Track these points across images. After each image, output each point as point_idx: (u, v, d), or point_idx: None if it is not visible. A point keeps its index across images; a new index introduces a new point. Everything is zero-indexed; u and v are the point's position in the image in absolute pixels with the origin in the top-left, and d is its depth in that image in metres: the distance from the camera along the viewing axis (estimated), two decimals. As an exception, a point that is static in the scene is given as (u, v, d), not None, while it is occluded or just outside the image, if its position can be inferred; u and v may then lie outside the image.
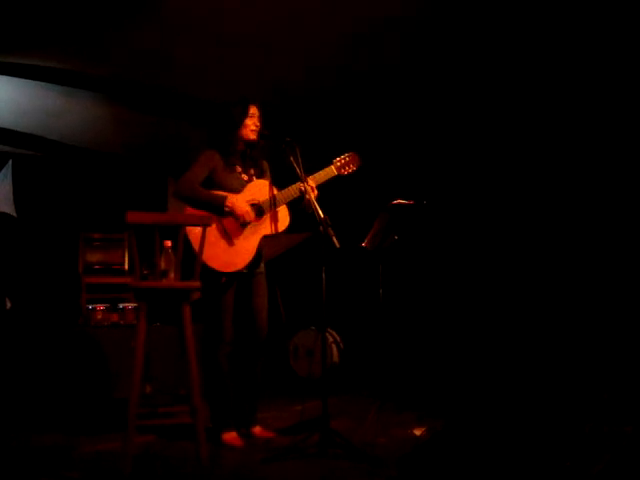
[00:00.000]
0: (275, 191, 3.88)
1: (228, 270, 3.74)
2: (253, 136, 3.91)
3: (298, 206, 3.87)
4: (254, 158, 4.00)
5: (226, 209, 3.74)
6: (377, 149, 5.95)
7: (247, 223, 3.79)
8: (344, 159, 3.96)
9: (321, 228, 3.52)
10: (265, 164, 4.09)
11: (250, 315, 3.90)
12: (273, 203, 3.83)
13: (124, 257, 6.16)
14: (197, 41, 4.71)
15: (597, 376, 4.48)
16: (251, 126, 3.90)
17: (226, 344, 3.82)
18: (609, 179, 5.12)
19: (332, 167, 3.92)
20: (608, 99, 4.93)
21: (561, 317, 5.24)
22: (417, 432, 3.81)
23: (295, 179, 3.80)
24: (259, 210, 3.83)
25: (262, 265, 4.00)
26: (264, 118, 3.97)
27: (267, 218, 3.84)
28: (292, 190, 3.83)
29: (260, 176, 3.99)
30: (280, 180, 3.95)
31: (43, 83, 5.32)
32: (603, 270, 5.11)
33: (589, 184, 5.23)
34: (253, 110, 3.93)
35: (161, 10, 4.26)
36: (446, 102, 5.43)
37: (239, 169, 3.93)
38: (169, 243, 3.52)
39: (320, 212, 3.55)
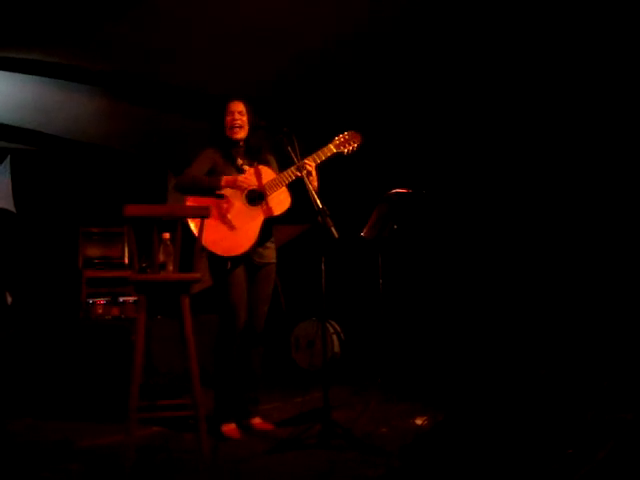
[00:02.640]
0: (273, 174, 3.89)
1: (231, 254, 3.73)
2: (237, 134, 3.90)
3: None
4: (253, 151, 3.98)
5: (224, 187, 3.77)
6: (376, 138, 5.93)
7: (247, 191, 3.79)
8: (343, 137, 3.92)
9: (319, 218, 3.50)
10: (270, 157, 4.06)
11: (251, 305, 3.90)
12: (270, 187, 3.83)
13: (124, 251, 6.17)
14: (195, 34, 4.69)
15: (597, 364, 4.47)
16: (230, 122, 3.89)
17: (240, 335, 3.81)
18: (610, 175, 5.11)
19: (330, 145, 3.89)
20: (608, 97, 4.92)
21: (562, 306, 5.23)
22: (419, 422, 3.81)
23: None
24: (259, 195, 3.83)
25: (274, 255, 4.01)
26: (262, 109, 3.95)
27: (268, 202, 3.83)
28: (289, 172, 3.81)
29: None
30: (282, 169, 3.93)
31: (40, 77, 5.30)
32: (604, 259, 5.10)
33: (590, 178, 5.22)
34: (233, 107, 3.92)
35: (159, 3, 4.25)
36: (446, 91, 5.41)
37: (240, 162, 3.92)
38: (167, 235, 3.52)
39: (318, 202, 3.54)
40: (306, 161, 3.77)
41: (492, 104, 5.42)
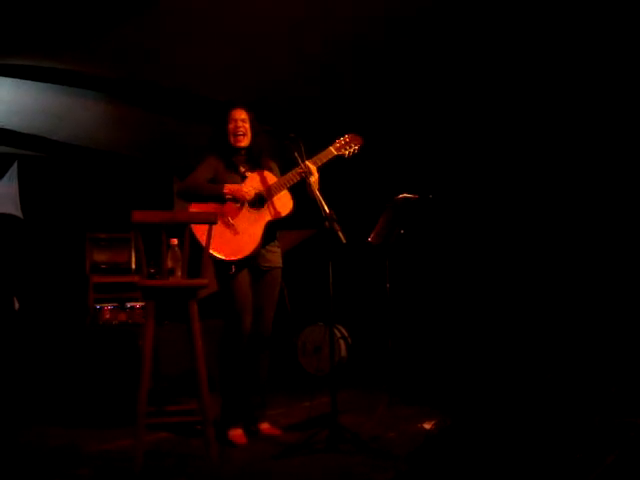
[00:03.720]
0: (275, 179, 3.89)
1: (235, 258, 3.73)
2: (240, 142, 3.92)
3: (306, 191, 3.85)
4: (255, 157, 3.99)
5: (227, 196, 3.78)
6: (383, 143, 5.94)
7: (250, 202, 3.79)
8: (344, 140, 3.94)
9: (327, 223, 3.51)
10: (272, 163, 4.07)
11: (257, 309, 3.90)
12: (272, 190, 3.84)
13: (131, 256, 6.18)
14: (198, 39, 4.70)
15: (604, 370, 4.47)
16: (232, 130, 3.90)
17: (245, 339, 3.81)
18: (611, 177, 5.11)
19: (331, 148, 3.90)
20: (609, 96, 4.92)
21: (570, 312, 5.23)
22: (427, 426, 3.81)
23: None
24: (260, 198, 3.83)
25: (280, 259, 4.02)
26: (265, 114, 3.96)
27: (270, 204, 3.84)
28: (292, 174, 3.81)
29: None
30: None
31: (47, 84, 5.32)
32: (613, 265, 5.09)
33: (591, 181, 5.22)
34: (236, 114, 3.93)
35: (162, 10, 4.27)
36: (453, 96, 5.41)
37: (242, 169, 3.94)
38: (175, 241, 3.53)
39: (325, 207, 3.55)
40: (307, 163, 3.78)
41: (498, 109, 5.42)
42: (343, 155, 3.92)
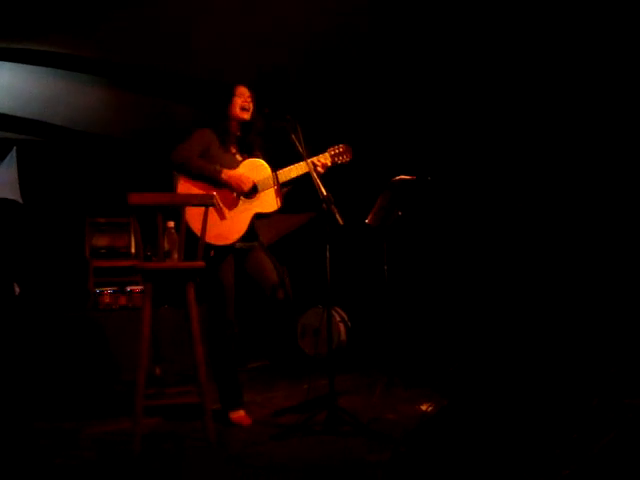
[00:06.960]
0: (269, 170, 3.86)
1: (218, 243, 3.68)
2: (244, 115, 3.88)
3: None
4: (247, 143, 3.96)
5: (222, 181, 3.72)
6: (380, 125, 5.93)
7: (245, 194, 3.76)
8: (338, 149, 3.93)
9: (324, 206, 3.50)
10: (259, 154, 4.01)
11: (261, 279, 3.87)
12: (263, 183, 3.82)
13: (130, 240, 6.19)
14: (197, 22, 4.69)
15: (604, 350, 4.47)
16: (240, 104, 3.87)
17: (231, 323, 3.80)
18: (612, 173, 5.09)
19: (326, 154, 3.89)
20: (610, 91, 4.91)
21: (567, 292, 5.22)
22: (424, 407, 3.82)
23: (294, 159, 3.78)
24: (253, 188, 3.81)
25: (255, 242, 3.98)
26: (260, 100, 3.95)
27: (261, 196, 3.81)
28: (298, 166, 3.79)
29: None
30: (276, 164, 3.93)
31: (44, 68, 5.31)
32: (610, 243, 5.08)
33: (592, 176, 5.20)
34: (242, 90, 3.91)
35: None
36: (450, 78, 5.39)
37: (234, 150, 3.91)
38: (172, 224, 3.52)
39: (323, 189, 3.53)
40: (316, 160, 3.78)
41: (497, 92, 5.40)
42: (335, 163, 3.90)
